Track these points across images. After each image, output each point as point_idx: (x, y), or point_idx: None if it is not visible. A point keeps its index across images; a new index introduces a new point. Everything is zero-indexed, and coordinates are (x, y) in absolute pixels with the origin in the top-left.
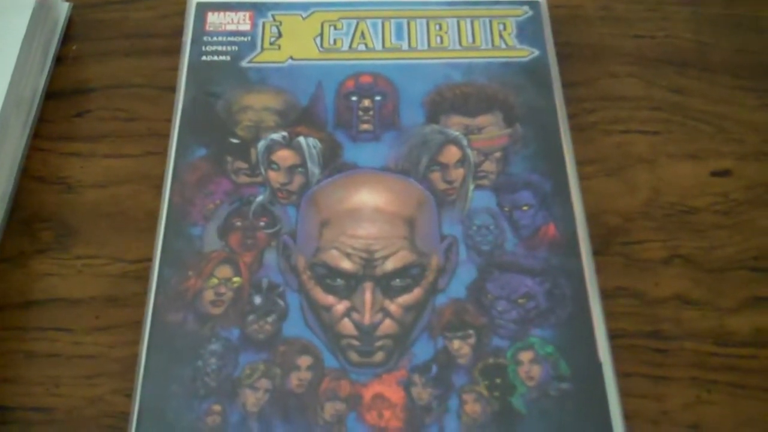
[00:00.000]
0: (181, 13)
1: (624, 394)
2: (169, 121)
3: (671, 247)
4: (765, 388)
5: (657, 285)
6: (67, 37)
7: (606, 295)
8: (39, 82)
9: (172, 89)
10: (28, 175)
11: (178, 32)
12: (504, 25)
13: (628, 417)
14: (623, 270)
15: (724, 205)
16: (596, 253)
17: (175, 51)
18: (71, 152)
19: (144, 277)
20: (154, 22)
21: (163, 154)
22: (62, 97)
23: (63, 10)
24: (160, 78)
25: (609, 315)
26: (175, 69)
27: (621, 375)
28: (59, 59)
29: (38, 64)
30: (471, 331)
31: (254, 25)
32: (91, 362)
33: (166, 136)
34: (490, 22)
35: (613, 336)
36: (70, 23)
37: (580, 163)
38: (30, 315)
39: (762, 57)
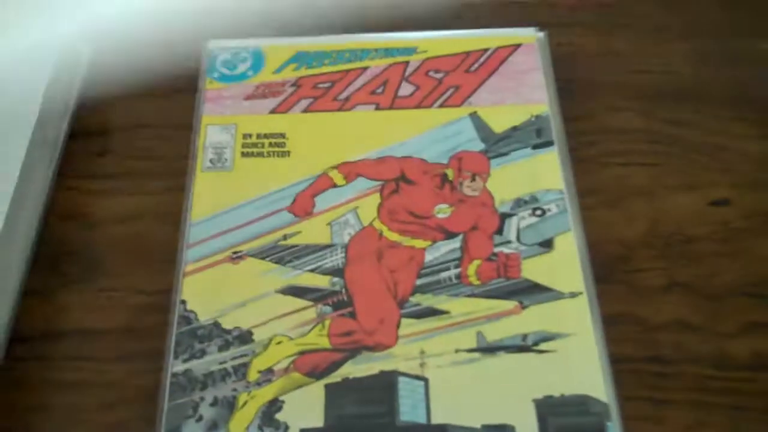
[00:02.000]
0: (197, 55)
1: (625, 417)
2: (186, 158)
3: (671, 275)
4: (764, 410)
5: (658, 311)
6: (88, 80)
7: (608, 321)
8: (62, 124)
9: (189, 127)
10: (53, 212)
11: (194, 73)
12: None
13: None
14: (625, 297)
15: (723, 233)
16: (599, 280)
17: (191, 91)
18: (94, 190)
19: (164, 309)
20: (170, 64)
21: (181, 190)
22: (85, 138)
23: (84, 54)
24: (176, 117)
25: (611, 340)
26: (190, 108)
27: (623, 398)
28: (81, 101)
29: (62, 106)
30: None
31: None
32: (113, 390)
33: (183, 173)
34: None
35: (614, 361)
36: (91, 67)
37: (580, 194)
38: (56, 345)
39: (758, 89)
